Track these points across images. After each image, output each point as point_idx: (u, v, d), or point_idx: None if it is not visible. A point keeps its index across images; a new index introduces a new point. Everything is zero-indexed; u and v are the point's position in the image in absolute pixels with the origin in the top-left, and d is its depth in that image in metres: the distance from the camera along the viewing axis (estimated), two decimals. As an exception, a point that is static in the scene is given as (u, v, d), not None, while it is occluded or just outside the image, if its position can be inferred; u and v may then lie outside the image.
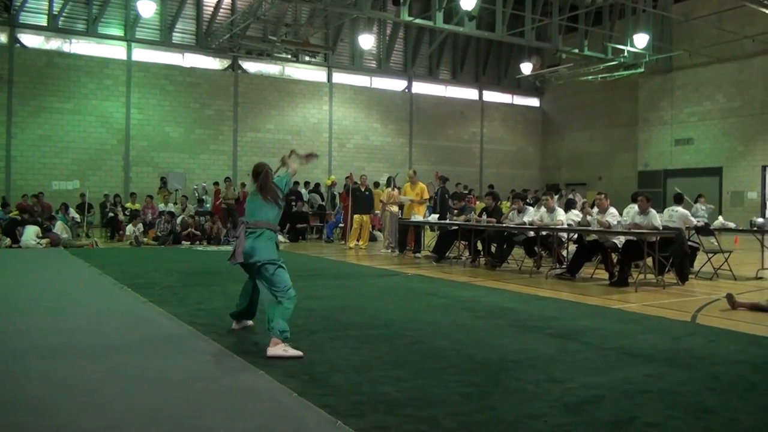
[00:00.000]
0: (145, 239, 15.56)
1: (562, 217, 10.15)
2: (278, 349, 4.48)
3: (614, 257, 9.24)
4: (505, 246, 10.83)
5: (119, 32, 22.48)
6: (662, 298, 7.74)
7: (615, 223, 9.15)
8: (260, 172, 5.06)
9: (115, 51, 22.46)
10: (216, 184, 20.48)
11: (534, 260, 10.57)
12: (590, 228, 9.48)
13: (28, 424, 3.20)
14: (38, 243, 13.95)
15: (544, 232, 10.17)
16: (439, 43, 28.40)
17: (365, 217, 14.91)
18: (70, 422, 3.22)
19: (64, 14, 21.48)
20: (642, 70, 24.47)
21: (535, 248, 10.48)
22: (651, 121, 27.09)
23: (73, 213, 16.75)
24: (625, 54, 23.50)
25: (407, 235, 13.73)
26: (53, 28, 21.38)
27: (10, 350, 4.67)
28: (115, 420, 3.26)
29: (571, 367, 4.31)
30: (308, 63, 25.64)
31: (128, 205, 18.65)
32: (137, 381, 3.94)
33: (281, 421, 3.27)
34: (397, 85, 28.35)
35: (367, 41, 23.93)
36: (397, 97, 28.13)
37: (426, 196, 14.03)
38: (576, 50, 23.27)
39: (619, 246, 9.00)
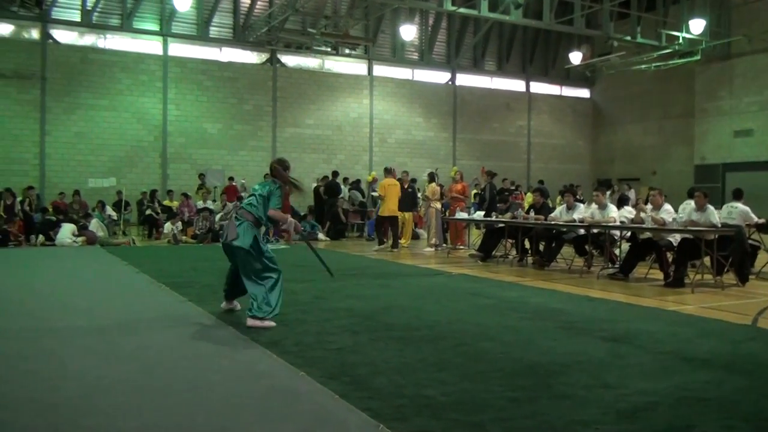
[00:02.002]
0: (184, 237, 15.50)
1: (614, 214, 9.89)
2: (254, 321, 5.43)
3: (669, 256, 8.98)
4: (553, 244, 10.59)
5: (155, 27, 22.62)
6: (721, 299, 7.51)
7: (670, 220, 8.91)
8: (271, 166, 5.95)
9: (151, 46, 22.58)
10: (231, 179, 20.08)
11: (584, 259, 10.33)
12: (644, 226, 9.24)
13: (63, 424, 3.23)
14: (74, 241, 14.02)
15: (595, 230, 9.93)
16: (484, 33, 27.87)
17: (407, 215, 14.78)
18: (105, 423, 3.24)
19: (98, 9, 21.68)
20: (698, 57, 23.66)
21: (586, 247, 10.24)
22: (708, 111, 26.18)
23: (109, 211, 16.80)
24: (680, 41, 22.77)
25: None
26: (87, 23, 21.58)
27: (45, 350, 4.74)
28: (151, 421, 3.27)
29: (624, 372, 4.20)
30: (348, 56, 25.46)
31: (166, 202, 18.64)
32: (175, 382, 3.96)
33: (322, 424, 3.25)
34: (440, 77, 28.05)
35: (408, 32, 23.58)
36: (440, 90, 27.83)
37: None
38: (628, 38, 22.61)
39: (675, 244, 8.74)
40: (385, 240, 14.15)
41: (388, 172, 14.80)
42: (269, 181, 5.88)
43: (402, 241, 14.63)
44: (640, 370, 4.25)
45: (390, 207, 13.87)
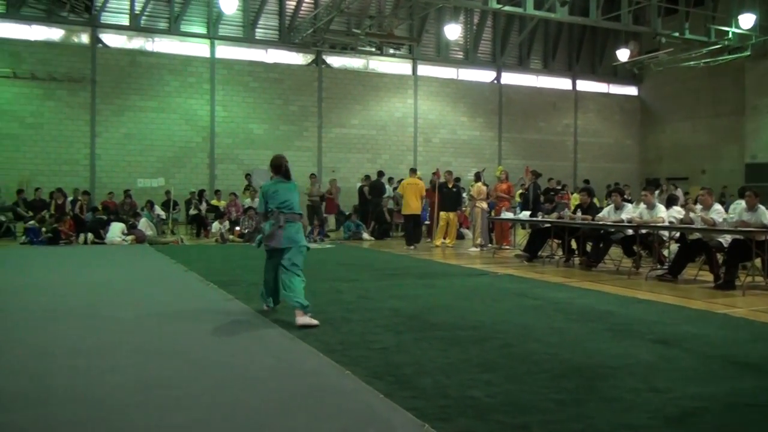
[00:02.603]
0: (231, 236, 15.71)
1: (663, 214, 9.67)
2: (305, 318, 5.52)
3: (720, 258, 8.75)
4: (601, 245, 10.41)
5: (202, 30, 22.98)
6: (773, 302, 7.28)
7: (720, 220, 8.66)
8: (280, 165, 6.35)
9: (198, 49, 22.95)
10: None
11: (633, 260, 10.13)
12: (693, 226, 9.00)
13: (111, 418, 3.31)
14: (123, 239, 14.35)
15: (643, 231, 9.74)
16: (529, 31, 27.55)
17: (452, 215, 14.76)
18: (153, 418, 3.32)
19: (146, 13, 22.13)
20: (748, 53, 22.91)
21: (634, 247, 10.05)
22: (759, 108, 25.32)
23: (158, 210, 17.06)
24: (730, 36, 22.07)
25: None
26: (135, 27, 22.07)
27: (92, 345, 4.88)
28: (199, 415, 3.35)
29: (673, 376, 4.13)
30: (393, 56, 25.47)
31: (213, 202, 18.92)
32: (223, 378, 4.03)
33: (367, 423, 3.28)
34: (486, 76, 27.80)
35: (453, 31, 23.45)
36: (485, 89, 27.59)
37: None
38: (677, 34, 22.04)
39: (725, 245, 8.51)
40: (415, 244, 14.30)
41: (413, 172, 15.23)
42: (282, 180, 6.34)
43: (447, 241, 14.68)
44: (689, 374, 4.18)
45: (411, 206, 14.17)
